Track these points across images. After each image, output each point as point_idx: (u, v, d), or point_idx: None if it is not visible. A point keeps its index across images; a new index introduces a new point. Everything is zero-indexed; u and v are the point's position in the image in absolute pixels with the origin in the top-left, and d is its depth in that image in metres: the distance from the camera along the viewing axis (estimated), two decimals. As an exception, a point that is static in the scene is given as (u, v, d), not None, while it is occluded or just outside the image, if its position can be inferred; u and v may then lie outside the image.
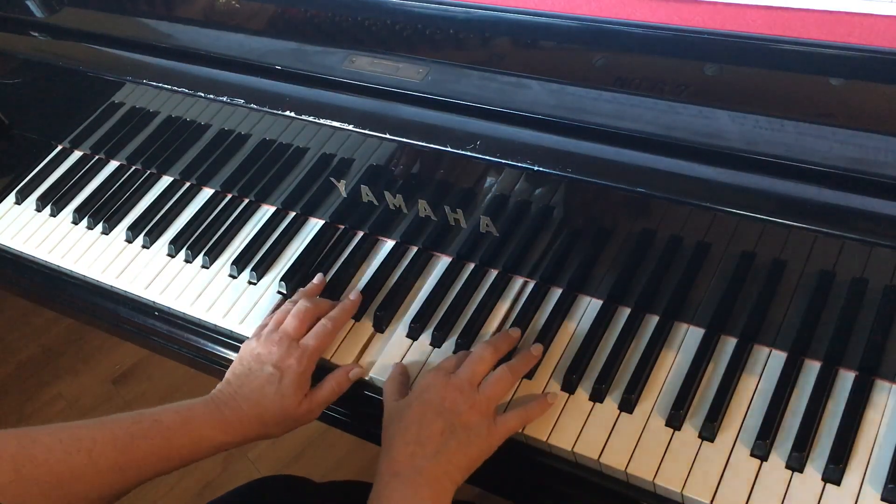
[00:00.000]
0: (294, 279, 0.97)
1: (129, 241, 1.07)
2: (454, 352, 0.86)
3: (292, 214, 1.04)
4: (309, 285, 0.95)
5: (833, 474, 0.70)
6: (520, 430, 0.78)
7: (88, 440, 0.73)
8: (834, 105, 0.67)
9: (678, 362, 0.80)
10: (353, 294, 0.92)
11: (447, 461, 0.72)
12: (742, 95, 0.70)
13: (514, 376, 0.80)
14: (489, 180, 0.80)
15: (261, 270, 0.99)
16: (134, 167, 1.16)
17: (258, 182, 1.04)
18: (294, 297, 0.92)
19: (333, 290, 0.95)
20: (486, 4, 0.83)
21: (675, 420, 0.76)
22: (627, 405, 0.78)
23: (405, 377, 0.85)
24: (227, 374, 0.84)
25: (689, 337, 0.82)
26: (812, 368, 0.77)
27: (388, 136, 0.81)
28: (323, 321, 0.87)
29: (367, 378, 0.88)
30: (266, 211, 1.06)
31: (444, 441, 0.73)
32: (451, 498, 0.72)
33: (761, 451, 0.72)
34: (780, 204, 0.66)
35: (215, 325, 0.96)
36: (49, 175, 1.19)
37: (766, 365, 0.78)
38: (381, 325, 0.91)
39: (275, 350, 0.83)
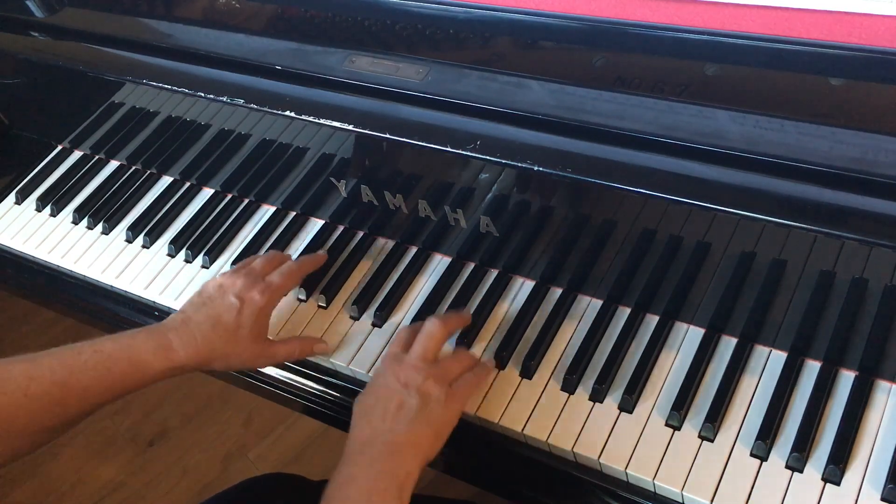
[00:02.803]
0: (294, 279, 0.96)
1: (129, 241, 1.07)
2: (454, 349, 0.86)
3: (292, 214, 1.04)
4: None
5: (833, 474, 0.70)
6: (475, 400, 0.80)
7: (25, 378, 0.73)
8: (834, 105, 0.67)
9: (678, 362, 0.80)
10: (320, 251, 0.94)
11: (408, 431, 0.72)
12: (742, 95, 0.70)
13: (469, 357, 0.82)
14: (489, 180, 0.80)
15: (261, 270, 0.99)
16: (134, 167, 1.16)
17: (258, 182, 1.04)
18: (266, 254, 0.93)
19: (333, 290, 0.95)
20: (486, 4, 0.83)
21: (674, 420, 0.76)
22: (627, 405, 0.78)
23: None
24: (185, 304, 0.84)
25: (689, 337, 0.82)
26: (812, 368, 0.77)
27: (388, 136, 0.81)
28: (289, 262, 0.88)
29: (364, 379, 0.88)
30: (266, 211, 1.06)
31: (404, 414, 0.73)
32: (417, 468, 0.71)
33: (761, 451, 0.72)
34: (780, 204, 0.66)
35: (215, 325, 0.96)
36: (49, 175, 1.19)
37: (766, 365, 0.78)
38: (381, 325, 0.91)
39: (239, 282, 0.83)
